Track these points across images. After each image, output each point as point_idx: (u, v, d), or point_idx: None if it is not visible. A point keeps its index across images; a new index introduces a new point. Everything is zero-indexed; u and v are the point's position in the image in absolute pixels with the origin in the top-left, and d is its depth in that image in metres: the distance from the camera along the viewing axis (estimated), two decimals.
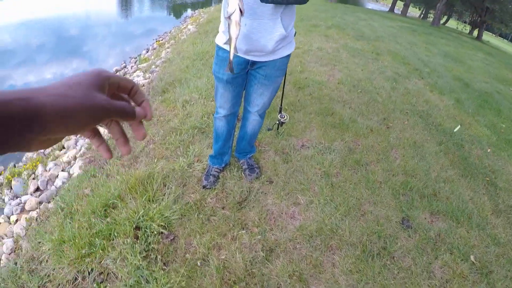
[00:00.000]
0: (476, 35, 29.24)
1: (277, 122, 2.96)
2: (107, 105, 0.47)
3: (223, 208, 2.66)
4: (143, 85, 5.32)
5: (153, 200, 2.60)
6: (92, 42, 9.66)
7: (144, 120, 0.57)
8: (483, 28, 29.56)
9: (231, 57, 1.72)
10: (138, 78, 5.89)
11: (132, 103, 0.58)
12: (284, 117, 2.94)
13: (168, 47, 8.18)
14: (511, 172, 4.01)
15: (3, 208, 3.10)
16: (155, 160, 3.08)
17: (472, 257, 2.59)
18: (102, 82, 0.49)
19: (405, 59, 7.95)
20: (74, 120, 0.43)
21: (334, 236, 2.58)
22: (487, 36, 34.82)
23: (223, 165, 2.94)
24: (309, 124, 3.90)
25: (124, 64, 7.79)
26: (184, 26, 11.21)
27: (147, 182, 2.73)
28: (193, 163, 3.06)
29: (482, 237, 2.82)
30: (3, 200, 3.31)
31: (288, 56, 2.24)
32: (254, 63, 2.19)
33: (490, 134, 4.90)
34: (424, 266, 2.46)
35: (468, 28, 34.92)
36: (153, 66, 6.45)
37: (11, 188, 3.44)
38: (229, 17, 1.56)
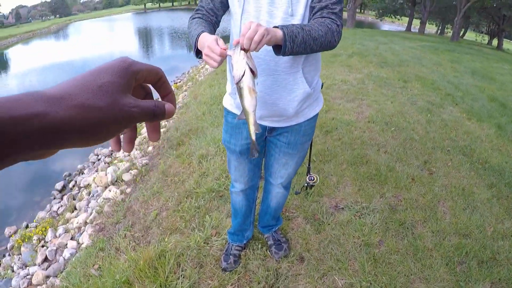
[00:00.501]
0: (496, 45, 28.29)
1: (305, 184, 2.54)
2: (135, 112, 0.40)
3: None
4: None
5: (165, 286, 2.27)
6: None
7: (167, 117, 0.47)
8: (503, 37, 28.58)
9: (253, 137, 1.31)
10: None
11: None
12: (314, 179, 2.53)
13: (185, 90, 7.94)
14: None
15: (11, 279, 3.06)
16: (168, 233, 2.75)
17: None
18: (130, 81, 0.42)
19: (435, 83, 7.42)
20: (97, 134, 0.38)
21: None
22: (506, 44, 33.66)
23: (244, 242, 2.54)
24: (341, 178, 3.45)
25: None
26: (202, 65, 10.93)
27: (158, 263, 2.39)
28: (211, 237, 2.70)
29: None
30: (12, 268, 3.32)
31: (316, 116, 1.85)
32: (273, 128, 1.81)
33: None
34: None
35: (486, 38, 33.88)
36: None
37: (21, 254, 3.41)
38: (237, 83, 1.16)
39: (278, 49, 1.31)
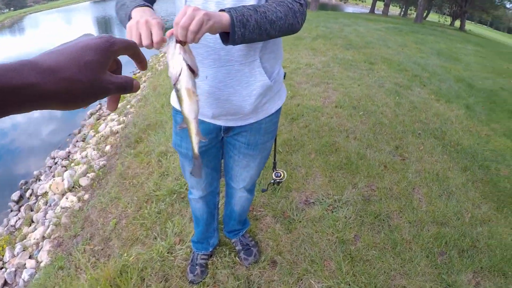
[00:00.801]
0: (458, 26, 28.99)
1: (272, 182, 2.37)
2: (111, 88, 0.51)
3: None
4: (117, 133, 4.74)
5: None
6: None
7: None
8: (465, 18, 29.32)
9: (196, 150, 1.10)
10: (112, 123, 5.29)
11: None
12: (280, 175, 2.37)
13: (144, 81, 7.60)
14: None
15: None
16: (129, 245, 2.54)
17: None
18: (110, 59, 0.51)
19: (401, 65, 7.42)
20: (76, 103, 0.47)
21: None
22: (468, 25, 34.62)
23: (210, 249, 2.35)
24: (310, 170, 3.30)
25: (100, 104, 7.06)
26: (162, 54, 10.49)
27: (120, 281, 2.18)
28: (174, 246, 2.49)
29: None
30: None
31: (278, 111, 1.64)
32: (229, 128, 1.60)
33: (511, 144, 4.39)
34: None
35: (449, 19, 34.69)
36: (128, 106, 5.86)
37: None
38: (174, 84, 0.95)
39: (227, 37, 1.08)
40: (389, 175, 3.34)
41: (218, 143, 1.71)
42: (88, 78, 0.46)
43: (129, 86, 0.55)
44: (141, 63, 0.63)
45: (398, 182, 3.25)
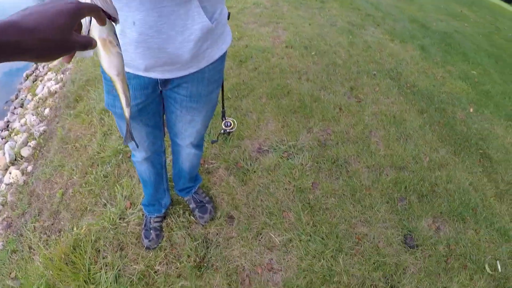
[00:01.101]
0: None
1: (222, 131, 2.19)
2: (76, 45, 0.61)
3: (179, 276, 1.99)
4: (56, 93, 4.32)
5: (90, 280, 1.96)
6: None
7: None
8: None
9: (127, 114, 0.96)
10: (50, 83, 4.80)
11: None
12: (230, 124, 2.19)
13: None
14: (499, 135, 3.70)
15: None
16: (79, 216, 2.35)
17: (487, 267, 2.32)
18: (78, 21, 0.61)
19: (353, 3, 7.25)
20: (45, 59, 0.57)
21: (330, 287, 2.01)
22: None
23: (163, 211, 2.18)
24: (262, 115, 3.14)
25: (36, 64, 6.41)
26: None
27: (75, 256, 2.03)
28: (126, 211, 2.31)
29: (491, 236, 2.54)
30: None
31: (223, 56, 1.43)
32: (167, 80, 1.37)
33: (466, 87, 4.49)
34: None
35: None
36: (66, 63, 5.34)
37: None
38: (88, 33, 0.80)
39: None
40: (345, 118, 3.25)
41: (157, 98, 1.48)
42: (60, 38, 0.56)
43: (90, 44, 0.66)
44: (102, 22, 0.72)
45: (354, 125, 3.17)
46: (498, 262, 2.35)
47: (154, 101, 1.46)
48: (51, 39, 0.54)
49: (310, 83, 3.75)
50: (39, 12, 0.55)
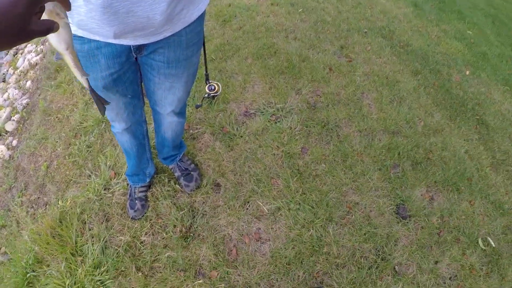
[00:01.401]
0: None
1: (206, 96, 2.03)
2: (36, 34, 0.57)
3: (165, 246, 1.95)
4: (36, 65, 4.09)
5: (77, 252, 1.95)
6: None
7: None
8: None
9: (85, 84, 0.90)
10: (30, 55, 4.54)
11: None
12: (214, 88, 2.05)
13: None
14: (496, 100, 3.59)
15: None
16: (64, 188, 2.28)
17: (480, 242, 2.29)
18: (36, 9, 0.56)
19: None
20: (4, 47, 0.55)
21: (319, 258, 1.95)
22: None
23: (148, 180, 2.09)
24: (248, 77, 2.95)
25: None
26: None
27: (61, 229, 2.00)
28: (110, 181, 2.23)
29: (486, 208, 2.49)
30: None
31: (201, 17, 1.27)
32: (141, 46, 1.21)
33: (462, 48, 4.31)
34: (430, 269, 2.06)
35: None
36: None
37: None
38: None
39: None
40: (336, 78, 3.09)
41: (132, 66, 1.31)
42: (17, 29, 0.53)
43: (51, 31, 0.62)
44: (66, 6, 0.67)
45: (345, 86, 3.01)
46: (490, 237, 2.33)
47: (129, 70, 1.30)
48: (8, 31, 0.51)
49: (298, 42, 3.55)
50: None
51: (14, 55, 5.45)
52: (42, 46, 4.58)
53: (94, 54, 1.16)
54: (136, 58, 1.29)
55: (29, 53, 4.74)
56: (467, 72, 3.83)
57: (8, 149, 2.89)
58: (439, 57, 3.90)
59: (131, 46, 1.18)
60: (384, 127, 2.69)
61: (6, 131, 3.13)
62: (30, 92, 3.60)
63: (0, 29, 0.50)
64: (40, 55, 4.27)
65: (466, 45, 4.41)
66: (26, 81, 3.89)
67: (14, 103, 3.56)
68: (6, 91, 4.04)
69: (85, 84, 0.88)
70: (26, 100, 3.42)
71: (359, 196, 2.20)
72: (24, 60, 4.61)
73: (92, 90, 0.92)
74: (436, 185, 2.43)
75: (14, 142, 2.93)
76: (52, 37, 0.73)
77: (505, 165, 2.84)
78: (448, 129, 2.91)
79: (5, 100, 3.80)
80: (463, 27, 5.02)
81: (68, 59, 0.80)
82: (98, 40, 1.10)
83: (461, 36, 4.62)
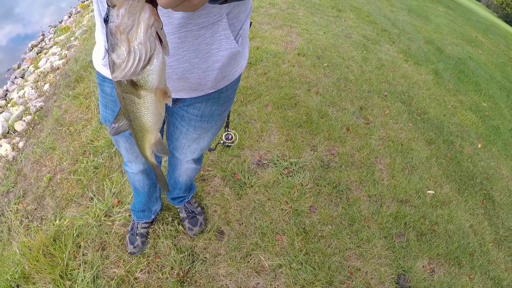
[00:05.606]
0: None
1: (221, 142, 2.11)
2: None
3: (159, 287, 1.93)
4: (58, 69, 4.20)
5: (66, 276, 1.92)
6: None
7: None
8: None
9: (152, 159, 0.90)
10: (54, 58, 4.66)
11: None
12: (232, 138, 2.11)
13: (93, 10, 6.81)
14: (504, 176, 3.63)
15: None
16: (64, 205, 2.29)
17: None
18: None
19: (370, 16, 7.18)
20: None
21: None
22: None
23: (152, 217, 2.12)
24: (266, 125, 3.06)
25: (43, 35, 6.22)
26: None
27: (54, 249, 1.99)
28: (112, 209, 2.25)
29: (485, 284, 2.49)
30: None
31: (240, 73, 1.31)
32: (178, 99, 1.25)
33: (476, 121, 4.42)
34: None
35: None
36: (72, 39, 5.21)
37: None
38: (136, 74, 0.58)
39: None
40: (351, 139, 3.18)
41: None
42: None
43: None
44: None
45: (360, 148, 3.10)
46: None
47: None
48: None
49: (319, 97, 3.67)
50: None
51: (37, 53, 5.57)
52: (66, 51, 4.68)
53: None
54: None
55: (53, 55, 4.85)
56: (479, 145, 3.91)
57: (13, 149, 2.91)
58: (454, 128, 4.00)
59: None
60: (393, 194, 2.75)
61: (15, 130, 3.16)
62: (46, 96, 3.65)
63: None
64: (64, 60, 4.35)
65: (480, 118, 4.52)
66: (44, 84, 3.95)
67: (28, 103, 3.60)
68: (23, 89, 4.10)
69: (153, 160, 0.87)
70: (41, 103, 3.48)
71: (361, 262, 2.23)
72: (46, 61, 4.70)
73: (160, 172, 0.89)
74: (439, 258, 2.46)
75: (21, 144, 2.95)
76: (149, 116, 0.66)
77: (507, 242, 2.86)
78: (455, 202, 2.96)
79: (19, 97, 3.85)
80: (479, 99, 5.15)
81: (152, 137, 0.76)
82: None
83: (476, 108, 4.73)
